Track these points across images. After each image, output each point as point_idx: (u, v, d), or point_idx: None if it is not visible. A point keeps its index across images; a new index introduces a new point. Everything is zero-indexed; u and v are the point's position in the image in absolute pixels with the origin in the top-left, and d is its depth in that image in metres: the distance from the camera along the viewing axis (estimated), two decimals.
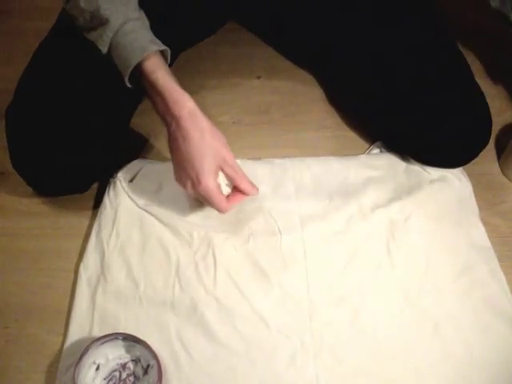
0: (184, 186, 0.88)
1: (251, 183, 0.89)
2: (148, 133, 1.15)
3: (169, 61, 0.88)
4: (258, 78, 1.28)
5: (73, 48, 0.95)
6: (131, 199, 1.02)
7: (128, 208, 1.01)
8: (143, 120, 1.14)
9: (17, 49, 1.31)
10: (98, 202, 1.04)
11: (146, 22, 0.88)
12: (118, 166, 1.06)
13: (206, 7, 1.10)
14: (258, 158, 1.10)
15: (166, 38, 0.91)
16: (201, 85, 1.24)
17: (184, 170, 0.86)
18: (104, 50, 0.86)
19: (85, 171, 0.97)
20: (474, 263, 0.95)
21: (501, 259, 0.96)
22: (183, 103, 0.84)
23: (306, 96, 1.24)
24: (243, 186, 0.88)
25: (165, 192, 1.03)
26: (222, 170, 0.87)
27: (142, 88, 0.87)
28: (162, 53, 0.87)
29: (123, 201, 1.02)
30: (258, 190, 0.90)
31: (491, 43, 1.33)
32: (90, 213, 1.04)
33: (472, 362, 0.86)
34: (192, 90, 1.20)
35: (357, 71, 1.10)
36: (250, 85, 1.27)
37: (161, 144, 1.13)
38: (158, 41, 0.87)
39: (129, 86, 0.87)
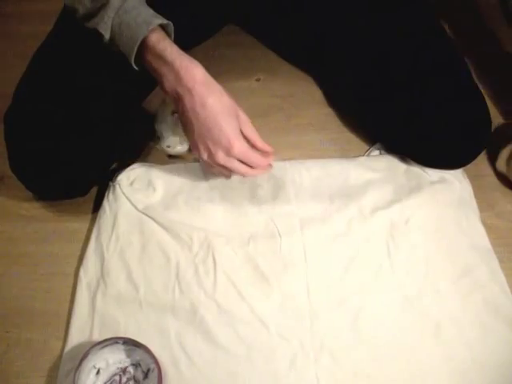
0: (211, 155, 0.86)
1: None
2: (147, 136, 1.15)
3: (172, 36, 0.86)
4: (258, 80, 1.28)
5: (71, 52, 0.95)
6: (131, 203, 1.02)
7: (127, 212, 1.01)
8: (142, 123, 1.15)
9: (15, 53, 1.31)
10: (97, 206, 1.04)
11: (144, 0, 0.86)
12: (118, 170, 1.06)
13: (204, 10, 1.10)
14: None
15: None
16: None
17: (209, 138, 0.85)
18: (107, 34, 0.84)
19: (83, 175, 0.97)
20: (475, 264, 0.95)
21: (501, 260, 0.96)
22: (196, 69, 0.83)
23: (306, 98, 1.24)
24: (260, 144, 0.88)
25: (164, 195, 1.03)
26: (242, 129, 0.86)
27: (147, 68, 0.86)
28: (165, 29, 0.85)
29: (123, 205, 1.02)
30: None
31: (490, 43, 1.34)
32: (89, 217, 1.04)
33: (473, 364, 0.86)
34: None
35: (355, 71, 1.10)
36: (250, 87, 1.27)
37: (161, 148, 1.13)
38: (159, 15, 0.85)
39: (134, 67, 0.85)
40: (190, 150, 1.08)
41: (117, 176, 1.05)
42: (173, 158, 1.11)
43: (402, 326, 0.89)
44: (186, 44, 1.19)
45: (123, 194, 1.03)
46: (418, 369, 0.85)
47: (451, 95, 0.97)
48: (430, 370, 0.85)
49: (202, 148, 0.87)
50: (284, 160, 1.10)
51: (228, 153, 0.84)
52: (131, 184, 1.05)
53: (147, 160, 1.12)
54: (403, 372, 0.85)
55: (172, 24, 0.85)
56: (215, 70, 1.27)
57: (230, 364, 0.86)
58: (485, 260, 0.96)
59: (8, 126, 0.96)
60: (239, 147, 0.84)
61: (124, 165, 1.08)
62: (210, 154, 0.86)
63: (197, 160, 1.07)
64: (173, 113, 1.01)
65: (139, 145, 1.14)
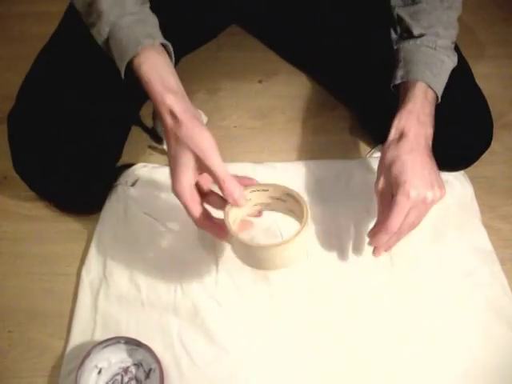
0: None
1: (238, 185, 0.75)
2: (150, 137, 1.15)
3: (173, 56, 0.84)
4: (260, 82, 1.29)
5: (75, 53, 0.96)
6: (133, 203, 1.02)
7: (130, 212, 1.02)
8: (145, 124, 1.15)
9: (18, 54, 1.31)
10: (99, 207, 1.04)
11: (150, 17, 0.85)
12: (120, 171, 1.07)
13: (207, 11, 1.11)
14: (260, 162, 1.10)
15: (168, 42, 0.91)
16: (202, 89, 1.25)
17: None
18: (103, 46, 0.84)
19: (86, 175, 0.97)
20: (476, 266, 0.95)
21: (502, 262, 0.96)
22: (162, 99, 0.77)
23: (308, 100, 1.24)
24: (226, 185, 0.74)
25: (167, 196, 1.03)
26: (200, 174, 0.78)
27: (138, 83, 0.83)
28: (165, 47, 0.83)
29: (125, 205, 1.02)
30: (244, 197, 0.76)
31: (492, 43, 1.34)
32: (92, 217, 1.04)
33: (474, 365, 0.86)
34: (193, 94, 1.21)
35: (357, 72, 1.10)
36: (252, 89, 1.27)
37: (163, 149, 1.13)
38: (157, 34, 0.82)
39: (124, 80, 0.83)
40: None
41: (120, 176, 1.06)
42: None
43: (402, 328, 0.89)
44: (189, 45, 1.20)
45: (126, 194, 1.03)
46: (419, 370, 0.85)
47: (452, 97, 0.97)
48: (431, 370, 0.85)
49: None
50: (286, 162, 1.10)
51: (173, 189, 0.78)
52: (134, 184, 1.05)
53: (150, 160, 1.12)
54: (403, 372, 0.85)
55: (168, 44, 0.83)
56: (218, 72, 1.29)
57: (232, 364, 0.86)
58: (486, 262, 0.96)
59: (11, 126, 0.96)
60: (175, 186, 0.77)
61: (127, 165, 1.08)
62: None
63: None
64: None
65: (142, 146, 1.14)
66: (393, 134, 0.86)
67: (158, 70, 0.79)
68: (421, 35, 0.91)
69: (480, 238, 0.99)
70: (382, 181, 0.84)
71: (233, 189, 0.74)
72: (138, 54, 0.79)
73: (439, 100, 0.89)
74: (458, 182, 1.05)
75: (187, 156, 0.75)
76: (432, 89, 0.88)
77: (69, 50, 0.98)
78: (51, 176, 0.94)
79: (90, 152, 0.95)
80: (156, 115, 1.07)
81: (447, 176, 1.05)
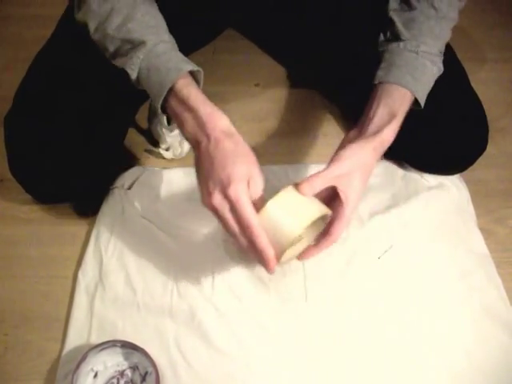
0: (208, 196, 0.75)
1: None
2: (146, 140, 1.15)
3: (201, 83, 0.83)
4: (257, 85, 1.29)
5: (71, 56, 0.96)
6: (129, 206, 1.02)
7: (126, 215, 1.02)
8: (142, 127, 1.15)
9: (15, 56, 1.32)
10: (96, 210, 1.04)
11: (176, 45, 0.85)
12: (117, 174, 1.07)
13: (204, 15, 1.11)
14: None
15: None
16: None
17: (212, 178, 0.75)
18: (133, 75, 0.83)
19: (83, 179, 0.97)
20: (472, 270, 0.96)
21: (498, 266, 0.97)
22: (219, 118, 0.78)
23: (305, 103, 1.25)
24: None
25: (163, 199, 1.04)
26: (249, 183, 0.76)
27: (169, 112, 0.83)
28: (194, 75, 0.83)
29: (121, 208, 1.02)
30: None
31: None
32: (88, 220, 1.04)
33: (469, 368, 0.86)
34: None
35: (354, 76, 1.10)
36: (249, 92, 1.27)
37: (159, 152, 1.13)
38: (190, 61, 0.83)
39: (159, 111, 0.82)
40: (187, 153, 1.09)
41: (116, 179, 1.06)
42: (171, 161, 1.11)
43: (398, 331, 0.89)
44: (185, 49, 1.20)
45: (122, 197, 1.03)
46: (415, 373, 0.85)
47: (448, 100, 0.97)
48: (427, 374, 0.85)
49: (203, 190, 0.77)
50: (282, 165, 1.10)
51: (224, 191, 0.73)
52: (130, 188, 1.05)
53: (146, 164, 1.12)
54: (400, 377, 0.85)
55: (202, 70, 0.83)
56: (215, 75, 1.29)
57: (228, 367, 0.86)
58: (482, 265, 0.96)
59: (8, 129, 0.96)
60: (236, 188, 0.72)
61: (123, 168, 1.08)
62: (208, 195, 0.75)
63: None
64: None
65: (138, 149, 1.14)
66: (378, 142, 0.83)
67: (202, 93, 0.80)
68: (406, 40, 0.91)
69: (476, 241, 1.00)
70: (339, 166, 0.80)
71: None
72: (177, 81, 0.79)
73: (422, 104, 0.89)
74: (453, 186, 1.05)
75: (244, 165, 0.76)
76: (412, 93, 0.87)
77: (66, 52, 0.98)
78: (47, 179, 0.94)
79: (86, 155, 0.95)
80: (152, 118, 1.07)
81: (443, 180, 1.06)
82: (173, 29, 0.86)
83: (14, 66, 1.08)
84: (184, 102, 0.79)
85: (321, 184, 0.77)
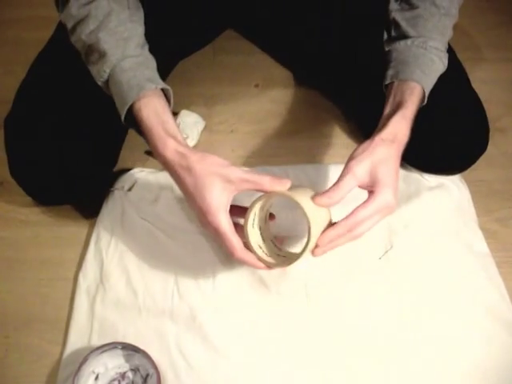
0: (199, 219, 0.81)
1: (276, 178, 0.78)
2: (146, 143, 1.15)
3: (171, 100, 0.84)
4: (256, 86, 1.29)
5: (71, 58, 0.96)
6: (130, 208, 1.02)
7: (127, 217, 1.02)
8: None
9: (15, 59, 1.31)
10: (96, 212, 1.04)
11: (150, 61, 0.85)
12: (117, 176, 1.07)
13: (203, 16, 1.11)
14: (256, 167, 1.10)
15: (164, 46, 0.91)
16: (198, 93, 1.25)
17: (191, 205, 0.79)
18: (103, 86, 0.84)
19: (83, 180, 0.97)
20: (473, 270, 0.96)
21: (499, 265, 0.96)
22: (167, 142, 0.78)
23: (305, 104, 1.25)
24: (267, 184, 0.77)
25: (163, 201, 1.03)
26: (237, 190, 0.77)
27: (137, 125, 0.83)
28: (165, 93, 0.83)
29: (122, 210, 1.02)
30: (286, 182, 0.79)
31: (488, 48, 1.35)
32: (88, 222, 1.04)
33: (472, 368, 0.86)
34: (189, 99, 1.21)
35: (354, 76, 1.10)
36: (248, 93, 1.27)
37: None
38: (158, 79, 0.83)
39: (124, 123, 0.82)
40: None
41: (116, 181, 1.06)
42: None
43: (400, 332, 0.89)
44: (185, 50, 1.20)
45: (122, 199, 1.03)
46: (418, 374, 0.85)
47: (448, 100, 0.97)
48: (429, 375, 0.85)
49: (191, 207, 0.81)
50: (282, 166, 1.10)
51: (205, 220, 0.77)
52: (130, 189, 1.05)
53: (146, 166, 1.12)
54: (403, 377, 0.85)
55: (170, 89, 0.83)
56: (214, 76, 1.29)
57: (229, 369, 0.86)
58: (483, 265, 0.96)
59: (8, 131, 0.96)
60: (212, 220, 0.75)
61: (123, 170, 1.08)
62: (199, 220, 0.81)
63: None
64: None
65: (138, 151, 1.14)
66: (387, 133, 0.84)
67: (158, 115, 0.80)
68: (413, 37, 0.91)
69: (477, 241, 1.00)
70: (364, 166, 0.81)
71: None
72: (139, 99, 0.79)
73: (425, 101, 0.89)
74: (454, 186, 1.05)
75: (215, 189, 0.75)
76: (422, 88, 0.87)
77: (65, 54, 0.98)
78: (47, 181, 0.94)
79: (86, 157, 0.95)
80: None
81: (444, 180, 1.05)
82: (172, 30, 0.86)
83: (13, 68, 1.08)
84: (142, 121, 0.80)
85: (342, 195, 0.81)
